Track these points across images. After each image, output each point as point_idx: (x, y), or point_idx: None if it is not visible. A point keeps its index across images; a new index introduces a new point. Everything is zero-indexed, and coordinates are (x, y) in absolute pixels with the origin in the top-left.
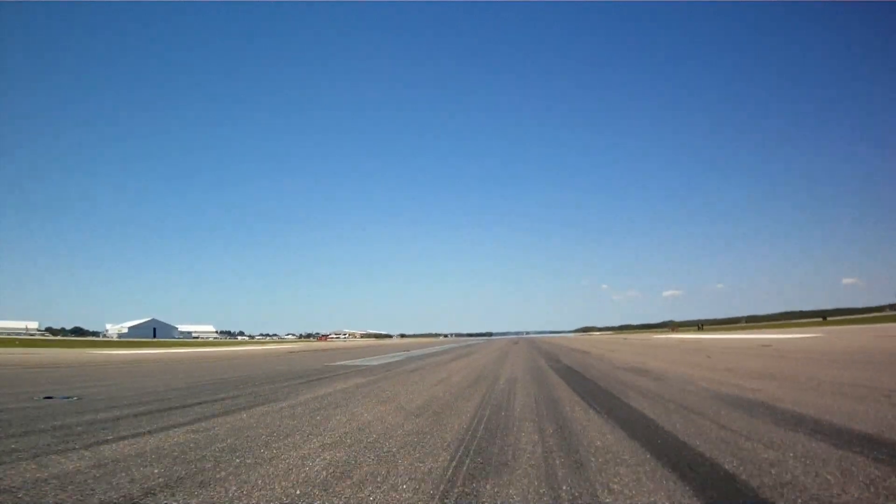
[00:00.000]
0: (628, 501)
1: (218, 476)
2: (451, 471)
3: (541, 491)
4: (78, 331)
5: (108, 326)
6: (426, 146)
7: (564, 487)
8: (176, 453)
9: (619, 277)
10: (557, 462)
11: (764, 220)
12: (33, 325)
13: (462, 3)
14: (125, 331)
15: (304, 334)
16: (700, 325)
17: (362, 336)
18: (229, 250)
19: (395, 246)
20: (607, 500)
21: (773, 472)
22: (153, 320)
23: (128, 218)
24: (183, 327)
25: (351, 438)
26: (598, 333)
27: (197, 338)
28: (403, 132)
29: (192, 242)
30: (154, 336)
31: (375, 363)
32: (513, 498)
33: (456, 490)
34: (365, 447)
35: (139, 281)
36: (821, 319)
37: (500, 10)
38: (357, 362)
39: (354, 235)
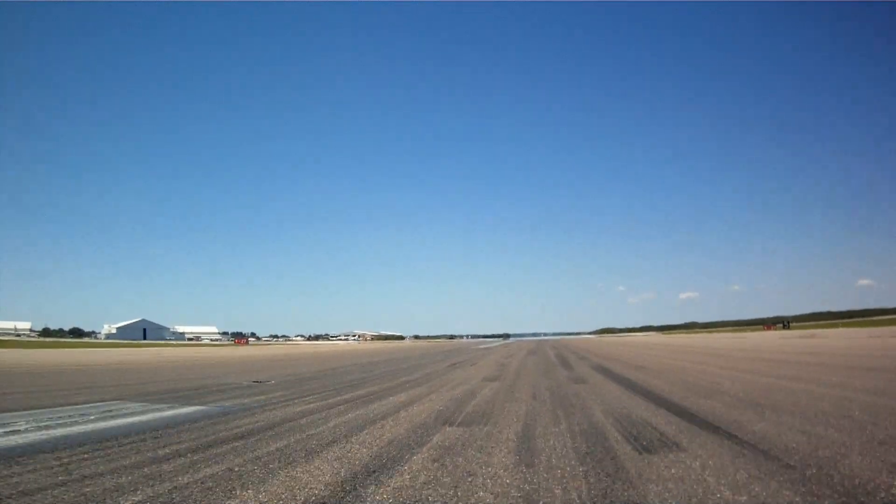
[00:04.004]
0: None
1: None
2: None
3: None
4: (76, 331)
5: (105, 327)
6: (442, 146)
7: None
8: None
9: (636, 279)
10: None
11: (778, 222)
12: (24, 325)
13: (468, 2)
14: (114, 331)
15: (312, 335)
16: (786, 323)
17: (373, 338)
18: (239, 250)
19: (409, 246)
20: None
21: None
22: (143, 320)
23: (134, 218)
24: (181, 328)
25: None
26: (641, 335)
27: (192, 339)
28: (419, 131)
29: (199, 242)
30: (144, 337)
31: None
32: None
33: None
34: None
35: (144, 281)
36: None
37: (510, 8)
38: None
39: (368, 235)
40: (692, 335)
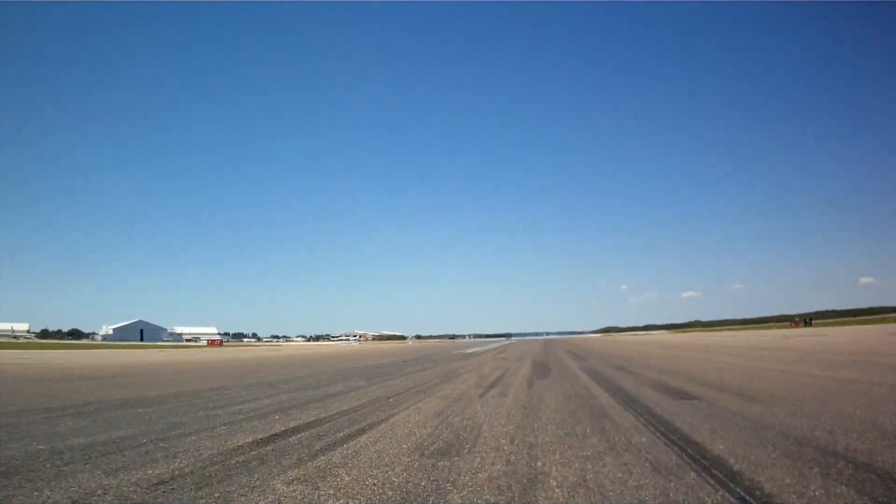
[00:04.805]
0: None
1: None
2: None
3: None
4: (74, 333)
5: (103, 328)
6: (442, 146)
7: None
8: None
9: (638, 278)
10: None
11: (780, 221)
12: (22, 326)
13: (468, 2)
14: (111, 332)
15: (313, 336)
16: (807, 321)
17: (375, 338)
18: (241, 251)
19: (412, 246)
20: None
21: None
22: (140, 321)
23: (135, 219)
24: (180, 329)
25: None
26: (654, 334)
27: (190, 340)
28: (420, 132)
29: (200, 243)
30: (141, 338)
31: None
32: None
33: None
34: None
35: (145, 282)
36: None
37: (510, 8)
38: None
39: (369, 234)
40: (721, 334)
